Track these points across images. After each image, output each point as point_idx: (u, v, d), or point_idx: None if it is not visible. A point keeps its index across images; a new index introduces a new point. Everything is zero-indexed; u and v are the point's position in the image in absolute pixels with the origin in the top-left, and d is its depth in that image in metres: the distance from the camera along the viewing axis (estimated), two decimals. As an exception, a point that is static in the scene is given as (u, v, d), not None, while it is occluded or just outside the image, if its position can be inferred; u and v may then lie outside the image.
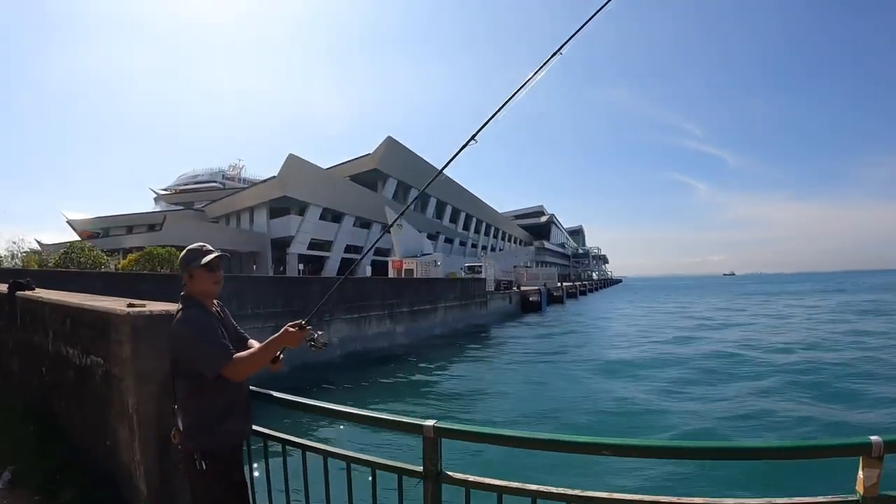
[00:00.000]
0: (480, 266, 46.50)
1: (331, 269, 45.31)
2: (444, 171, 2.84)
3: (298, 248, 44.98)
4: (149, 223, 52.48)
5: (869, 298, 54.92)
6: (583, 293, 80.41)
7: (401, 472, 2.30)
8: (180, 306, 2.53)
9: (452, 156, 2.77)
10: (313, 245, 45.97)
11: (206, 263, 2.54)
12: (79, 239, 38.58)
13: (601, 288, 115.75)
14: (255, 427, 2.66)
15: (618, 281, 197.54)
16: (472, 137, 2.71)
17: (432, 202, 60.25)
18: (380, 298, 23.03)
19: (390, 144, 51.55)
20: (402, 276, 38.52)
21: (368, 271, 45.11)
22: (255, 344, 2.63)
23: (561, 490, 2.04)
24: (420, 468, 2.21)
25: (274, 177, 44.19)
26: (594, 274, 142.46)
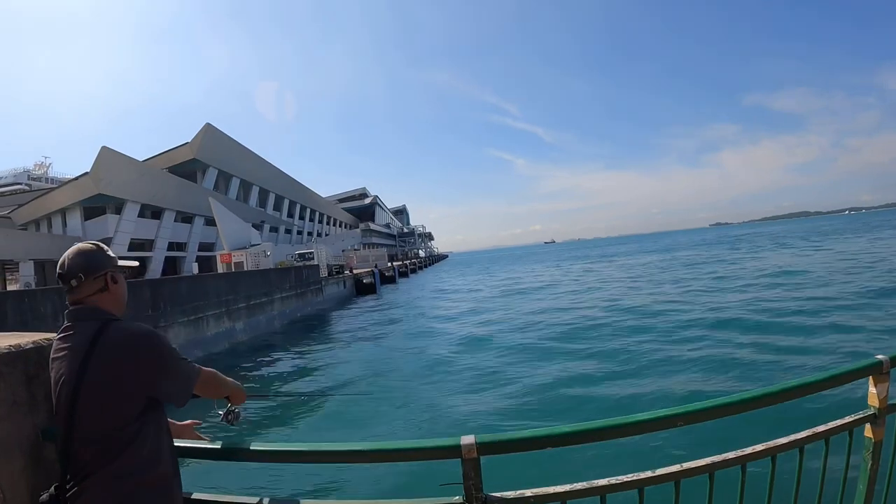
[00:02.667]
0: (312, 253, 46.76)
1: (154, 269, 42.60)
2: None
3: (118, 250, 40.72)
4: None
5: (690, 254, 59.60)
6: (413, 271, 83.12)
7: None
8: (97, 322, 1.77)
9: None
10: (134, 245, 42.42)
11: (125, 266, 1.96)
12: None
13: (429, 265, 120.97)
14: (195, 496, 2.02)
15: (444, 256, 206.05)
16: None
17: (255, 190, 58.82)
18: (216, 296, 22.48)
19: (209, 132, 49.03)
20: (233, 269, 37.84)
21: (195, 268, 43.40)
22: None
23: (632, 477, 1.82)
24: (456, 498, 1.79)
25: (87, 173, 39.97)
26: (421, 251, 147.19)
